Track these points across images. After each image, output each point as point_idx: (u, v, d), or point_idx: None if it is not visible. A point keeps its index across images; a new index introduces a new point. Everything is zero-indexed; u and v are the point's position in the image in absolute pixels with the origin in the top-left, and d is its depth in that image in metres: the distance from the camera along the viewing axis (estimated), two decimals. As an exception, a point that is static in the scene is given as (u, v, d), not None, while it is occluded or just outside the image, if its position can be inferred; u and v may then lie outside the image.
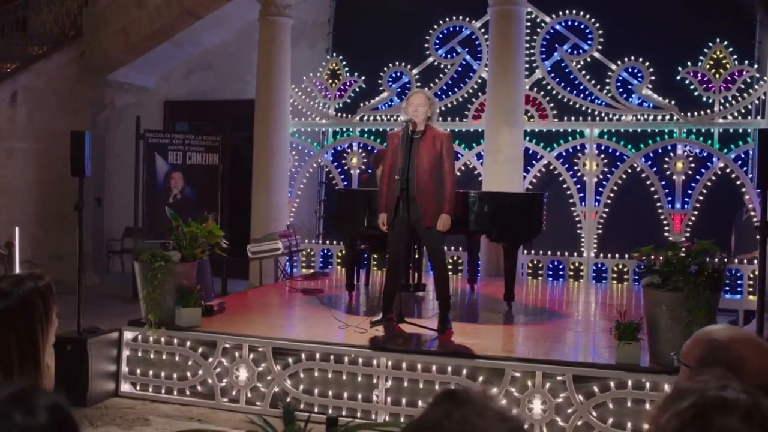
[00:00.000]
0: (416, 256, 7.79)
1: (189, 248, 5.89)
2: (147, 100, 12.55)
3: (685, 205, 9.08)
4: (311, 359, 5.35)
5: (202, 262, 6.38)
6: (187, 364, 5.66)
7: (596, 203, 9.37)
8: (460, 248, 9.75)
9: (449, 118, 10.04)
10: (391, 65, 10.26)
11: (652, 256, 4.95)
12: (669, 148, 9.21)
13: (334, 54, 10.85)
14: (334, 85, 10.58)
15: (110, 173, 12.77)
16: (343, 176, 10.61)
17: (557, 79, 9.57)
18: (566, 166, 9.53)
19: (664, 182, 9.17)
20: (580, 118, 9.47)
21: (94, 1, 10.76)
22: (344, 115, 10.53)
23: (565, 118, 9.53)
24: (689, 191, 9.07)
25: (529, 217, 6.83)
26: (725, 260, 4.94)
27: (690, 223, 9.04)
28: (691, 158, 9.10)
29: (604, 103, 9.34)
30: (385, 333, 5.61)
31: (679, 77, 9.07)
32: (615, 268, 9.31)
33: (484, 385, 4.88)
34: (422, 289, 7.71)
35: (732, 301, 8.53)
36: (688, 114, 9.04)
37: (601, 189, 9.38)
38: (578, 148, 9.53)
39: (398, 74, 10.28)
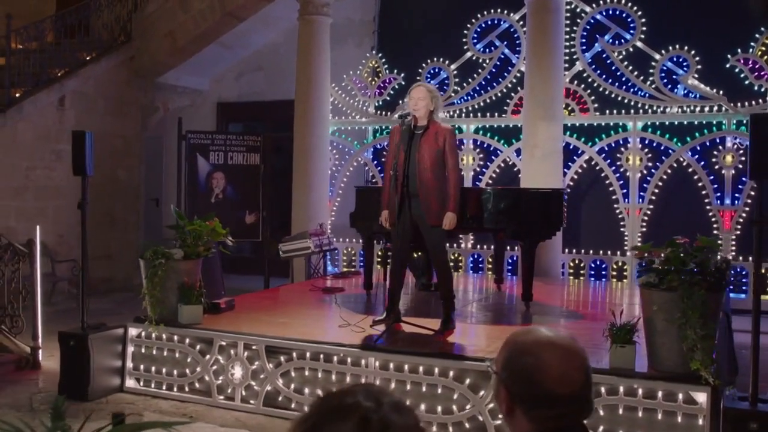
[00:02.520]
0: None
1: (192, 246, 5.93)
2: (201, 102, 12.84)
3: (736, 201, 8.55)
4: (302, 358, 5.28)
5: (211, 260, 6.42)
6: (186, 361, 5.70)
7: (640, 200, 8.94)
8: (508, 248, 9.47)
9: (488, 114, 9.81)
10: (429, 61, 10.11)
11: (646, 254, 4.64)
12: (717, 140, 8.70)
13: (373, 51, 10.78)
14: (374, 82, 10.51)
15: (167, 174, 13.12)
16: (383, 175, 10.50)
17: (598, 71, 9.19)
18: (608, 161, 9.15)
19: (712, 177, 8.67)
20: (623, 111, 9.07)
21: (142, 7, 11.08)
22: (384, 112, 10.45)
23: (607, 111, 9.14)
24: (740, 186, 8.54)
25: (546, 214, 6.55)
26: (729, 259, 4.56)
27: (741, 220, 8.50)
28: (741, 151, 8.55)
29: (647, 94, 8.91)
30: (381, 332, 5.48)
31: (728, 65, 8.56)
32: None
33: None
34: (444, 289, 7.51)
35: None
36: (738, 104, 8.51)
37: (645, 185, 8.96)
38: (621, 142, 9.14)
39: (436, 70, 10.12)
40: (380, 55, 10.58)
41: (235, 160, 10.37)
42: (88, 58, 10.22)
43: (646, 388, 4.42)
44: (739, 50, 8.50)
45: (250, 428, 5.15)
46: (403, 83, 10.33)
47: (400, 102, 10.28)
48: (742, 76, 8.51)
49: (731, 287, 8.51)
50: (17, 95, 9.18)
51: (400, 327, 5.69)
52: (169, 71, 11.41)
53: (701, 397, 4.31)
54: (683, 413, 4.34)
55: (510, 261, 9.52)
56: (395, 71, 10.35)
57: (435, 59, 10.07)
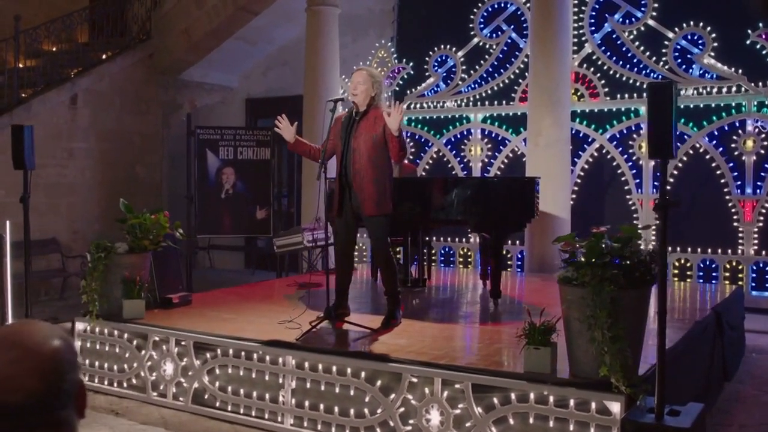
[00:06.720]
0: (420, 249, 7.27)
1: (137, 240, 5.85)
2: (231, 98, 12.89)
3: (758, 190, 7.82)
4: (226, 355, 5.10)
5: (167, 254, 6.31)
6: (125, 356, 5.62)
7: (653, 190, 8.30)
8: (517, 242, 9.02)
9: (496, 102, 9.36)
10: (436, 48, 9.74)
11: (569, 246, 4.19)
12: (737, 124, 7.97)
13: (384, 41, 10.48)
14: (382, 73, 10.21)
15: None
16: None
17: (608, 53, 8.61)
18: (620, 149, 8.55)
19: (731, 164, 7.96)
20: (635, 95, 8.46)
21: (160, 5, 11.19)
22: (394, 103, 10.13)
23: (618, 95, 8.56)
24: (762, 174, 7.79)
25: (513, 205, 6.10)
26: (653, 252, 4.07)
27: (763, 210, 7.76)
28: (763, 135, 7.80)
29: (660, 76, 8.27)
30: (306, 330, 5.21)
31: (748, 42, 7.83)
32: (676, 264, 8.19)
33: None
34: (422, 285, 7.18)
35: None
36: (760, 84, 7.76)
37: (659, 174, 8.28)
38: (633, 128, 8.53)
39: (444, 58, 9.73)
40: (389, 44, 10.29)
41: (245, 154, 10.30)
42: (103, 57, 10.37)
43: (557, 396, 3.99)
44: (760, 24, 7.75)
45: (170, 426, 5.01)
46: (411, 72, 10.01)
47: (408, 92, 9.96)
48: (764, 53, 7.77)
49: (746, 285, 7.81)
50: (24, 96, 9.39)
51: (341, 324, 5.42)
52: (190, 68, 11.49)
53: (615, 407, 3.85)
54: (596, 424, 3.89)
55: (518, 256, 9.04)
56: (403, 60, 10.03)
57: (442, 47, 9.69)
